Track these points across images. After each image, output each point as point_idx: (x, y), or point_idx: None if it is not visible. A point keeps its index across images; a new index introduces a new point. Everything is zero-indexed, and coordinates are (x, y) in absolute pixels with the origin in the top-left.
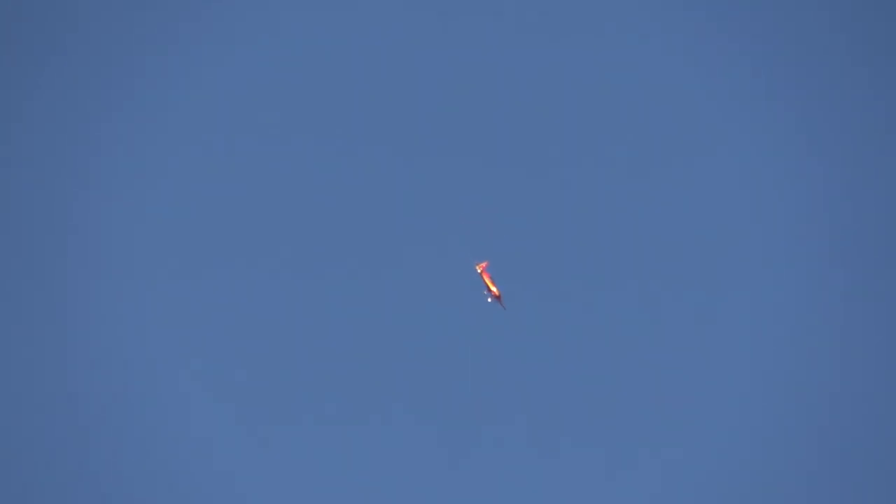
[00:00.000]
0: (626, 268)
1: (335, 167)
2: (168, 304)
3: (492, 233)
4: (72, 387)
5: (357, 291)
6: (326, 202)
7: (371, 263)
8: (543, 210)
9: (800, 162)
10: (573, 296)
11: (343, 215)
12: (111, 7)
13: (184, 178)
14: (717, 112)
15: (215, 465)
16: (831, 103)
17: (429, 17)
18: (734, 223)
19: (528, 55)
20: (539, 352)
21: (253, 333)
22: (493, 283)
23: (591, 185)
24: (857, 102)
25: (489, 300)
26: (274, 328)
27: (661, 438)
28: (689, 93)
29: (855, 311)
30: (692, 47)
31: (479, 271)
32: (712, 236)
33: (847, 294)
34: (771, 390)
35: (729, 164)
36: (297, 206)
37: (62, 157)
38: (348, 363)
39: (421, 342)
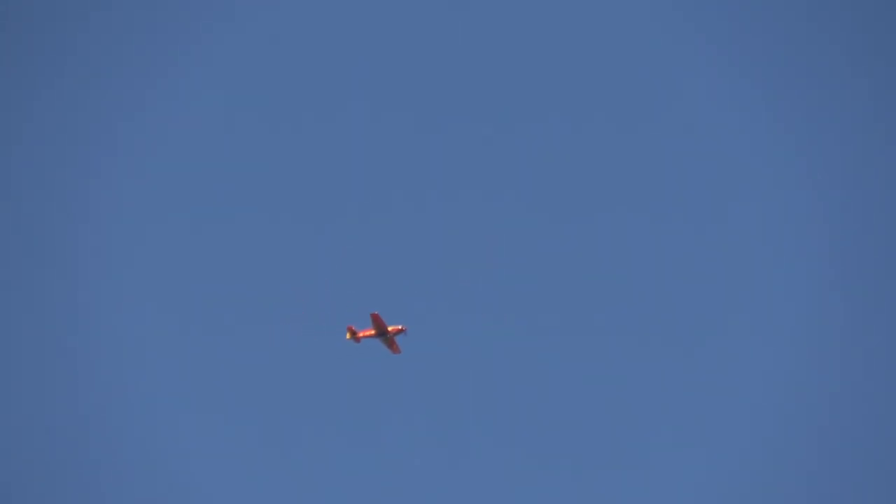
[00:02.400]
0: (630, 274)
1: (333, 166)
2: (165, 305)
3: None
4: (66, 389)
5: (356, 291)
6: (323, 201)
7: (369, 264)
8: (549, 217)
9: (805, 164)
10: (578, 301)
11: (340, 215)
12: (109, 7)
13: (181, 178)
14: (720, 114)
15: (209, 466)
16: (834, 105)
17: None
18: (738, 227)
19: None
20: (545, 355)
21: (250, 334)
22: (385, 326)
23: (596, 189)
24: (860, 104)
25: (388, 345)
26: (271, 329)
27: (666, 441)
28: (692, 95)
29: (860, 313)
30: (694, 48)
31: (353, 337)
32: (714, 241)
33: (853, 296)
34: (776, 394)
35: (734, 167)
36: (293, 207)
37: (60, 156)
38: (345, 365)
39: (421, 341)
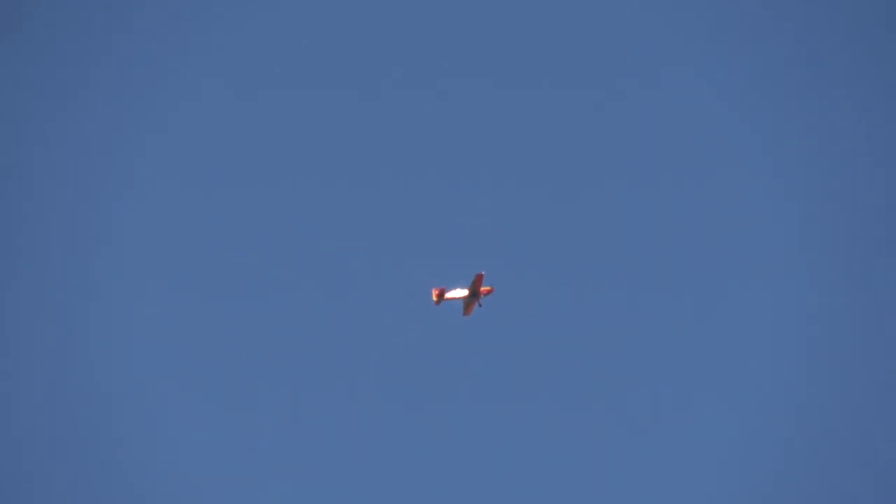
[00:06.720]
0: (633, 268)
1: (336, 168)
2: (163, 309)
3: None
4: (65, 391)
5: (355, 297)
6: (324, 209)
7: (368, 271)
8: (552, 215)
9: (806, 164)
10: (578, 297)
11: (340, 223)
12: (109, 8)
13: (179, 183)
14: (721, 113)
15: (209, 467)
16: (835, 105)
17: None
18: (741, 225)
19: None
20: (545, 355)
21: (248, 340)
22: (479, 287)
23: (600, 189)
24: (860, 104)
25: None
26: (270, 333)
27: (667, 439)
28: (695, 95)
29: (864, 313)
30: (696, 49)
31: (439, 300)
32: (715, 237)
33: (857, 296)
34: (777, 394)
35: (736, 166)
36: (293, 213)
37: (61, 159)
38: (346, 368)
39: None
